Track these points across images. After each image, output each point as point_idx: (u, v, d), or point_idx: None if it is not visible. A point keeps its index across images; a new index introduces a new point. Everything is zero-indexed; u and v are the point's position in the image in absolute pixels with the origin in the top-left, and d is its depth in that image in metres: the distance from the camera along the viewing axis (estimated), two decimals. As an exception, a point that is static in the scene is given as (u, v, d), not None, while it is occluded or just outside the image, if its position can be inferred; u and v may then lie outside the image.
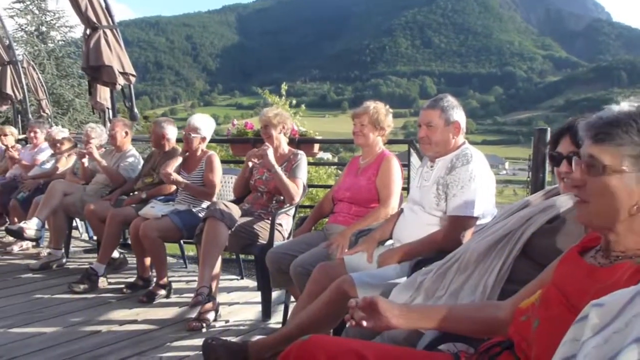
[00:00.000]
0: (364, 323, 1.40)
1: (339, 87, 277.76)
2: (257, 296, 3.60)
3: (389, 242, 2.64)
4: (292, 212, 3.63)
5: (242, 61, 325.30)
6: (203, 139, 3.93)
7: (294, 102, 11.77)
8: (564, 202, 1.70)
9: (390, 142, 3.69)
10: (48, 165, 5.58)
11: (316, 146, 4.89)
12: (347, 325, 2.02)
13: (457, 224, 2.31)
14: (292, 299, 3.18)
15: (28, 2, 25.61)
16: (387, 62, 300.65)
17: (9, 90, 7.43)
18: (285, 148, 3.63)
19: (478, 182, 2.33)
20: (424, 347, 1.58)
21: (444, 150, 2.46)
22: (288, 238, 3.55)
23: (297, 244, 3.01)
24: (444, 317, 1.43)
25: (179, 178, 3.75)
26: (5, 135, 6.23)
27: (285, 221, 3.55)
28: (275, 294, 3.53)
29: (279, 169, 3.36)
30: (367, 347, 1.37)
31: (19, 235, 4.46)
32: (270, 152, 3.34)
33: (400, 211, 2.70)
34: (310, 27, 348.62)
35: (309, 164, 3.82)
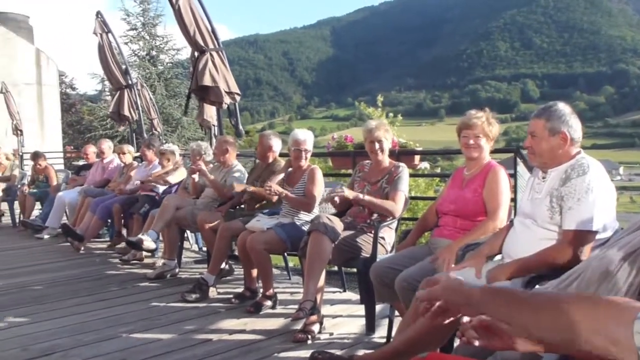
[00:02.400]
0: (476, 342, 1.36)
1: (435, 95, 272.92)
2: (360, 309, 3.61)
3: (498, 257, 2.54)
4: (394, 225, 3.61)
5: (337, 73, 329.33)
6: (305, 152, 4.02)
7: (391, 113, 11.70)
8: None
9: (495, 151, 3.56)
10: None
11: (416, 157, 4.83)
12: (457, 343, 1.97)
13: (574, 239, 2.18)
14: (397, 313, 3.15)
15: (140, 29, 27.65)
16: (486, 67, 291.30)
17: (126, 112, 8.05)
18: (386, 161, 3.61)
19: (596, 194, 2.18)
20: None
21: (551, 161, 2.34)
22: (391, 251, 3.53)
23: (401, 258, 2.98)
24: None
25: (279, 188, 3.85)
26: (124, 153, 6.76)
27: (388, 234, 3.53)
28: (378, 308, 3.51)
29: (365, 198, 3.40)
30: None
31: (137, 246, 4.81)
32: (346, 192, 3.38)
33: (510, 225, 2.59)
34: (404, 36, 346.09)
35: (410, 175, 3.77)
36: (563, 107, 2.35)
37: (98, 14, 8.10)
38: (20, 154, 12.93)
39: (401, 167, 3.53)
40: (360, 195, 3.41)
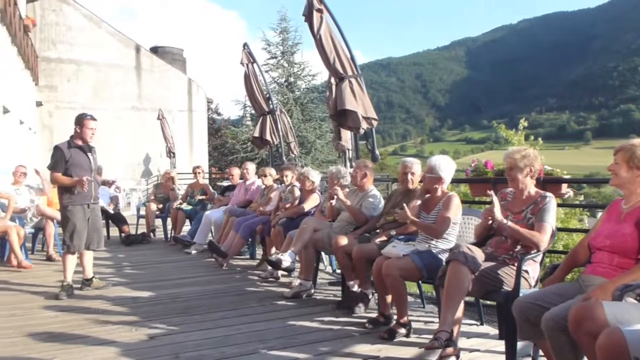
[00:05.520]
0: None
1: (580, 116, 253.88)
2: (499, 345, 3.46)
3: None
4: (539, 258, 3.40)
5: (471, 95, 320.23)
6: (439, 179, 3.95)
7: (532, 136, 11.08)
8: None
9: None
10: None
11: (564, 186, 4.52)
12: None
13: None
14: (541, 352, 2.96)
15: (279, 58, 29.19)
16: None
17: (268, 136, 8.52)
18: (531, 190, 3.43)
19: None
20: None
21: None
22: (535, 286, 3.33)
23: (547, 294, 2.79)
24: None
25: (412, 217, 3.82)
26: (265, 176, 7.13)
27: (532, 268, 3.34)
28: (520, 345, 3.31)
29: (509, 224, 3.26)
30: None
31: (276, 265, 5.03)
32: (497, 211, 3.26)
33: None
34: (545, 54, 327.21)
35: (557, 205, 3.54)
36: None
37: (245, 45, 8.68)
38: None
39: (548, 198, 3.32)
40: (504, 220, 3.27)
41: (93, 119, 5.30)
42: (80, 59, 17.39)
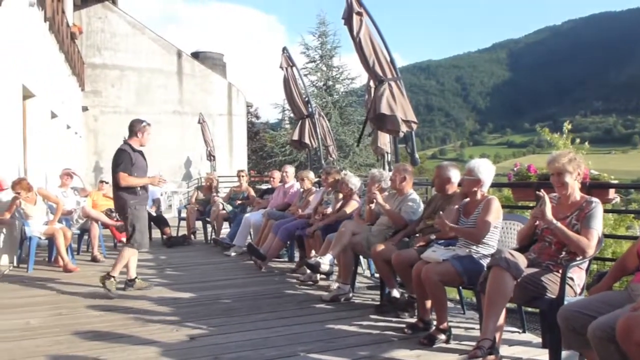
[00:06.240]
0: None
1: (628, 120, 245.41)
2: (542, 354, 3.37)
3: None
4: (584, 265, 3.30)
5: (513, 98, 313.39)
6: (478, 181, 3.87)
7: (577, 140, 10.78)
8: None
9: None
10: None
11: (611, 191, 4.38)
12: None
13: None
14: (587, 362, 2.86)
15: (318, 61, 29.34)
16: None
17: (307, 140, 8.55)
18: (577, 195, 3.33)
19: None
20: None
21: None
22: (580, 294, 3.24)
23: (594, 303, 2.70)
24: None
25: (449, 224, 3.76)
26: (303, 179, 7.16)
27: (577, 275, 3.24)
28: (564, 354, 3.21)
29: (559, 225, 3.15)
30: None
31: (315, 269, 5.03)
32: (547, 211, 3.18)
33: None
34: (591, 56, 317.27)
35: (604, 211, 3.42)
36: None
37: (284, 49, 8.75)
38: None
39: (594, 203, 3.23)
40: (554, 221, 3.18)
41: (149, 125, 5.56)
42: (124, 65, 17.89)
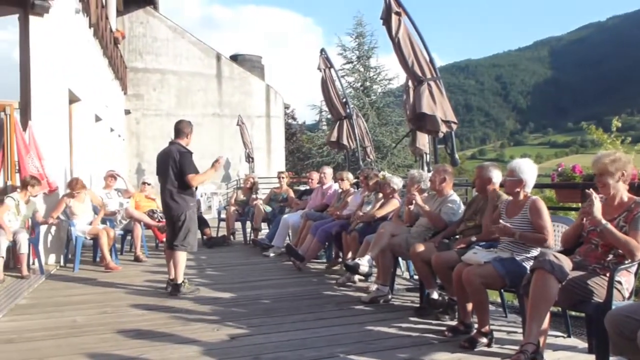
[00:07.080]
0: None
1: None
2: (588, 359, 3.26)
3: None
4: (634, 269, 3.18)
5: (555, 97, 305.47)
6: (520, 182, 3.78)
7: (628, 138, 10.37)
8: None
9: None
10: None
11: (661, 192, 4.21)
12: None
13: None
14: (637, 369, 2.76)
15: (355, 62, 29.31)
16: None
17: (344, 141, 8.56)
18: (624, 196, 3.22)
19: None
20: None
21: None
22: (629, 298, 3.13)
23: (645, 307, 2.61)
24: None
25: (515, 231, 3.63)
26: (342, 180, 7.16)
27: (626, 279, 3.13)
28: (612, 360, 3.12)
29: (608, 225, 3.05)
30: None
31: (354, 270, 5.02)
32: (597, 211, 3.07)
33: None
34: (637, 53, 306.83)
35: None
36: None
37: (322, 51, 8.78)
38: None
39: (643, 205, 3.12)
40: (603, 221, 3.07)
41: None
42: (165, 68, 18.28)
